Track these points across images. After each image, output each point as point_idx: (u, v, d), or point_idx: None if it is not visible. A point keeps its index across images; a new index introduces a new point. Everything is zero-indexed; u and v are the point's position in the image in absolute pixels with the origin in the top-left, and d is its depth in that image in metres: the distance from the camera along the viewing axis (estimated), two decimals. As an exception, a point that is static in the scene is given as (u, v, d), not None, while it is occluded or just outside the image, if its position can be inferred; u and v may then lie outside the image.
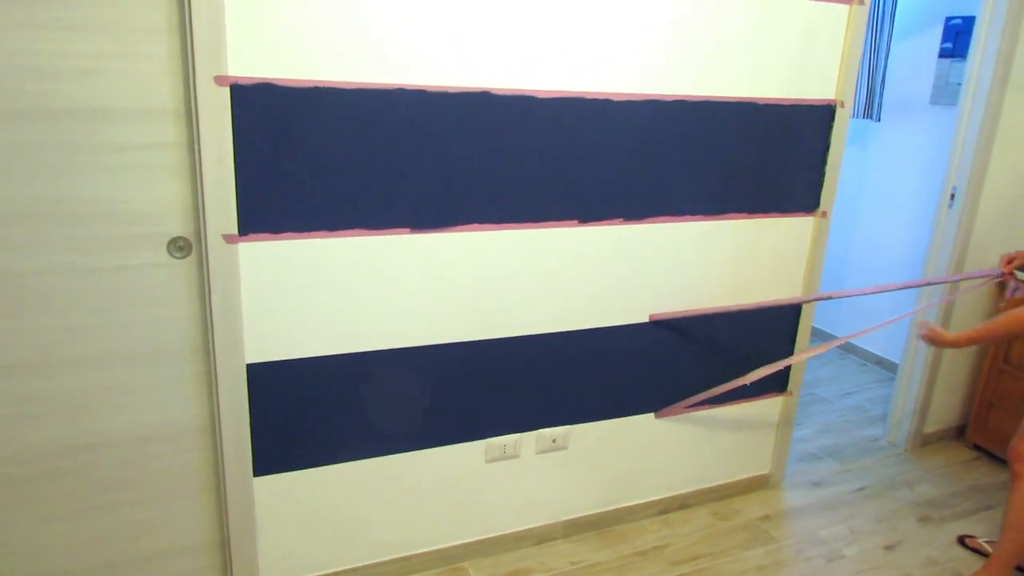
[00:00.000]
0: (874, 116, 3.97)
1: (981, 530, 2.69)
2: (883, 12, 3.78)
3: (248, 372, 1.91)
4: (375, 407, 2.10)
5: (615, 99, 2.09)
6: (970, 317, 3.11)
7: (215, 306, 1.82)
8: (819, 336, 4.61)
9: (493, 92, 1.94)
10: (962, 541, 2.63)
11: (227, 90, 1.68)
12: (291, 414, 2.01)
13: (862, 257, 4.26)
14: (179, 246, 1.80)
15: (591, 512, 2.56)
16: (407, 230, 1.97)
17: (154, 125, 1.71)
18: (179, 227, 1.79)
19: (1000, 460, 3.19)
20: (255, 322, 1.89)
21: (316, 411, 2.03)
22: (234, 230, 1.79)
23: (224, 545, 2.07)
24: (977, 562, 2.51)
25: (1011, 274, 2.34)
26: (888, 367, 4.14)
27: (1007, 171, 2.99)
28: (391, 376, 2.09)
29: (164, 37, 1.66)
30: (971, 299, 3.05)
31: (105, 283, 1.76)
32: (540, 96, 2.00)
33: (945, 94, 3.67)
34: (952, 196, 2.96)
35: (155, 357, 1.86)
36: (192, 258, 1.82)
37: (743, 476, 2.83)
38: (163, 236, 1.79)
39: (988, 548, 2.57)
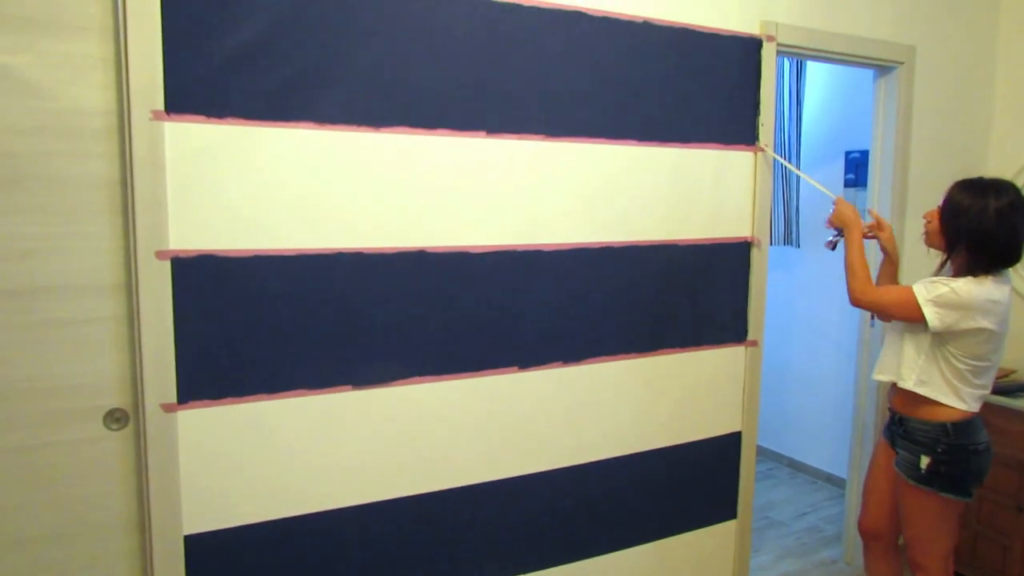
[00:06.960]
0: (793, 243, 4.22)
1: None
2: (789, 148, 4.11)
3: (186, 544, 1.85)
4: (322, 570, 2.04)
5: (546, 249, 2.21)
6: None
7: (152, 479, 1.78)
8: (764, 455, 4.66)
9: (428, 251, 2.04)
10: None
11: (168, 263, 1.73)
12: (233, 585, 1.93)
13: (800, 373, 4.40)
14: (116, 418, 1.79)
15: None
16: (349, 387, 1.99)
17: (94, 300, 1.74)
18: (116, 399, 1.78)
19: None
20: (194, 490, 1.85)
21: (259, 580, 1.96)
22: (173, 399, 1.79)
23: None
24: None
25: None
26: (837, 483, 4.18)
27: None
28: (335, 537, 2.04)
29: (107, 218, 1.72)
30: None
31: (37, 459, 1.72)
32: (474, 251, 2.10)
33: (855, 220, 3.94)
34: (872, 316, 3.13)
35: (89, 535, 1.79)
36: (129, 429, 1.80)
37: (705, 611, 2.78)
38: (100, 409, 1.77)
39: None
